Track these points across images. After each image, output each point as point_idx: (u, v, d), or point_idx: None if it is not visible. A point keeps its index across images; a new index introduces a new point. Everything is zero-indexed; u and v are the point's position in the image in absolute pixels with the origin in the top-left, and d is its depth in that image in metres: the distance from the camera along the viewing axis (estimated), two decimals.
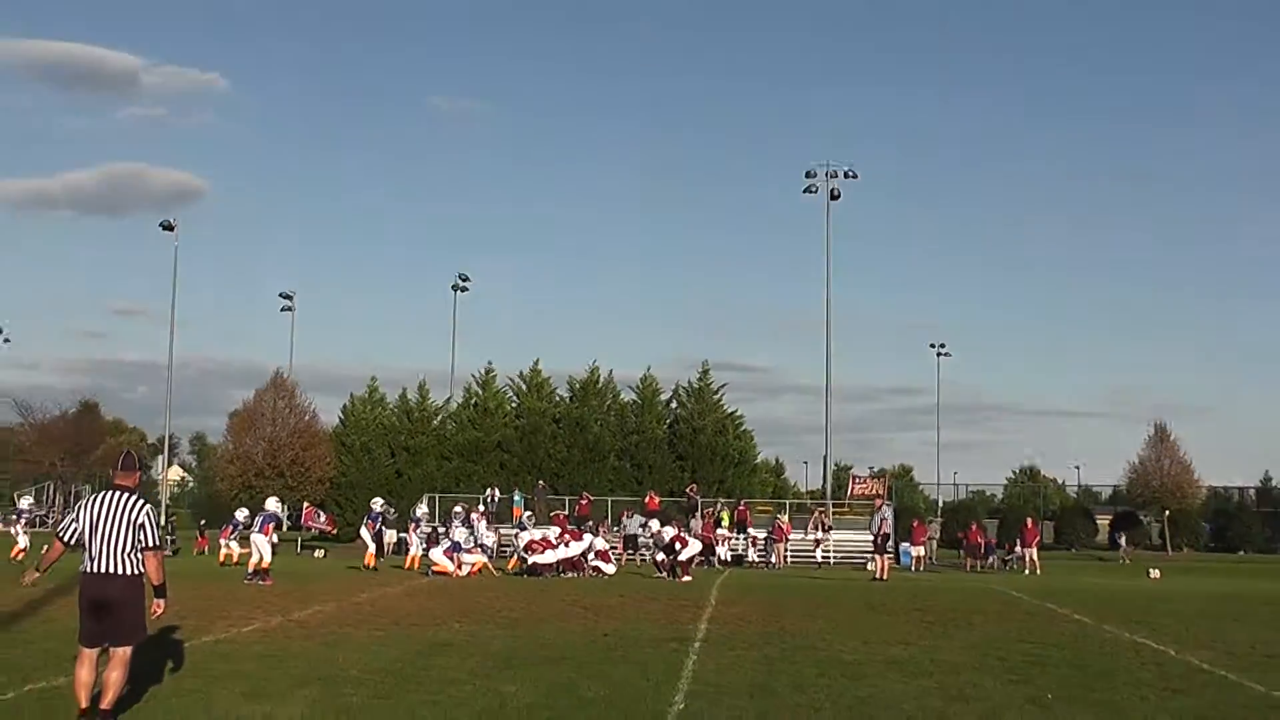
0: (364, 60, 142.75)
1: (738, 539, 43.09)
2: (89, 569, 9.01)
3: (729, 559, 41.34)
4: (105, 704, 8.84)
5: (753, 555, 42.59)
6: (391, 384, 73.19)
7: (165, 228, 67.60)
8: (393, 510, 43.06)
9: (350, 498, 54.13)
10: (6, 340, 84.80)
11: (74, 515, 9.26)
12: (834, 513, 48.20)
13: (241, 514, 32.66)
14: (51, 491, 59.89)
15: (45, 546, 9.84)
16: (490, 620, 17.03)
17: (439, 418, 58.51)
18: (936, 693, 11.07)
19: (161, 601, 9.37)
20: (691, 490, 47.95)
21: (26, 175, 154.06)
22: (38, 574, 9.57)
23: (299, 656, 12.67)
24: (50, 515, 57.43)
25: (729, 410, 56.39)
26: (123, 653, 9.01)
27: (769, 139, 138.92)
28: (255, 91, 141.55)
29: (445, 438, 57.13)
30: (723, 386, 56.72)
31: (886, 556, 30.43)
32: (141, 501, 9.20)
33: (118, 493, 9.18)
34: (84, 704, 8.84)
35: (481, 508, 45.34)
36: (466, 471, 54.78)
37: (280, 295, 70.63)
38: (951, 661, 13.24)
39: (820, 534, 43.95)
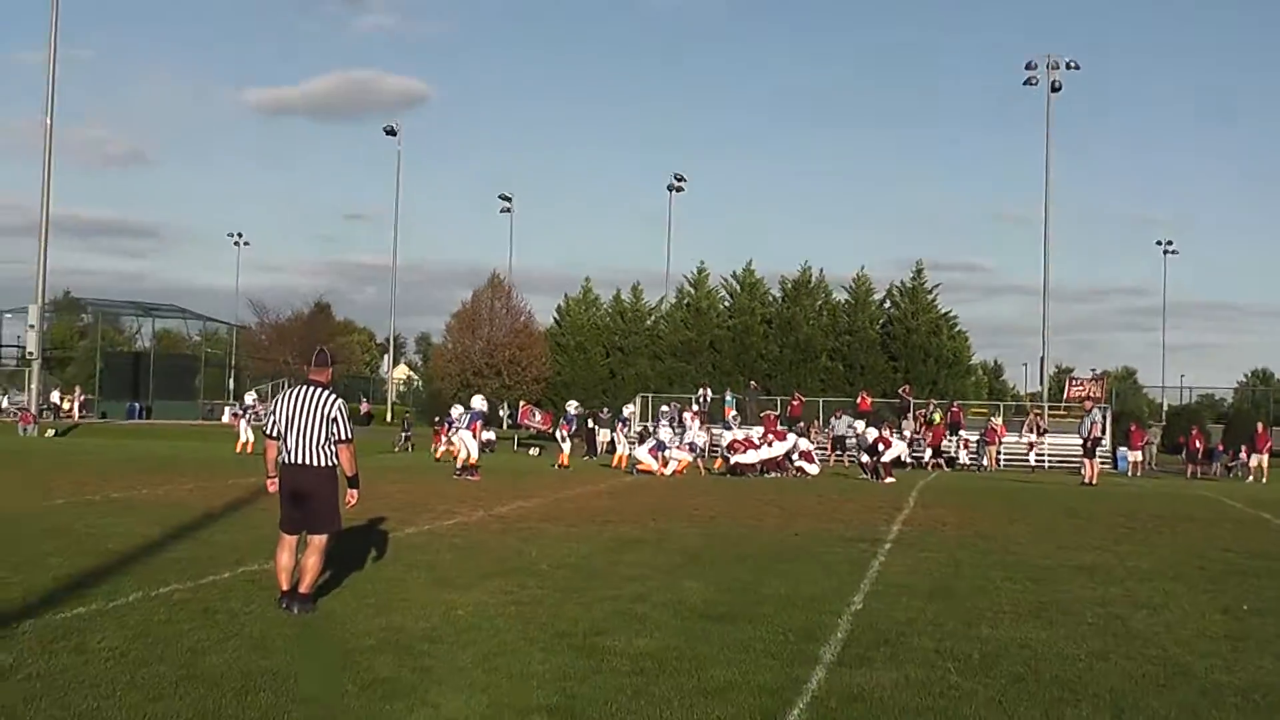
0: None
1: (950, 441, 42.62)
2: (286, 460, 9.44)
3: (940, 461, 40.97)
4: (304, 588, 9.32)
5: (964, 457, 42.07)
6: (606, 285, 74.41)
7: (388, 132, 69.58)
8: (606, 410, 43.89)
9: (566, 396, 55.00)
10: (246, 244, 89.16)
11: (272, 410, 9.72)
12: (1050, 415, 47.15)
13: (456, 410, 33.68)
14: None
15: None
16: (684, 518, 17.32)
17: (652, 318, 59.07)
18: (1123, 600, 10.86)
19: (354, 492, 9.81)
20: (904, 391, 47.59)
21: (270, 84, 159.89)
22: (273, 476, 9.63)
23: (492, 549, 13.12)
24: None
25: (943, 311, 55.50)
26: (319, 540, 9.46)
27: (988, 29, 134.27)
28: None
29: (658, 338, 57.70)
30: (936, 286, 55.88)
31: (1097, 461, 29.70)
32: (334, 396, 9.57)
33: (312, 388, 9.56)
34: (284, 586, 9.34)
35: (695, 407, 45.91)
36: (679, 371, 55.30)
37: (500, 197, 71.96)
38: (1146, 569, 12.95)
39: (1035, 437, 43.10)
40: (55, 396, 56.60)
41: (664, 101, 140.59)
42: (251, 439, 34.19)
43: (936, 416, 44.23)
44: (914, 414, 45.66)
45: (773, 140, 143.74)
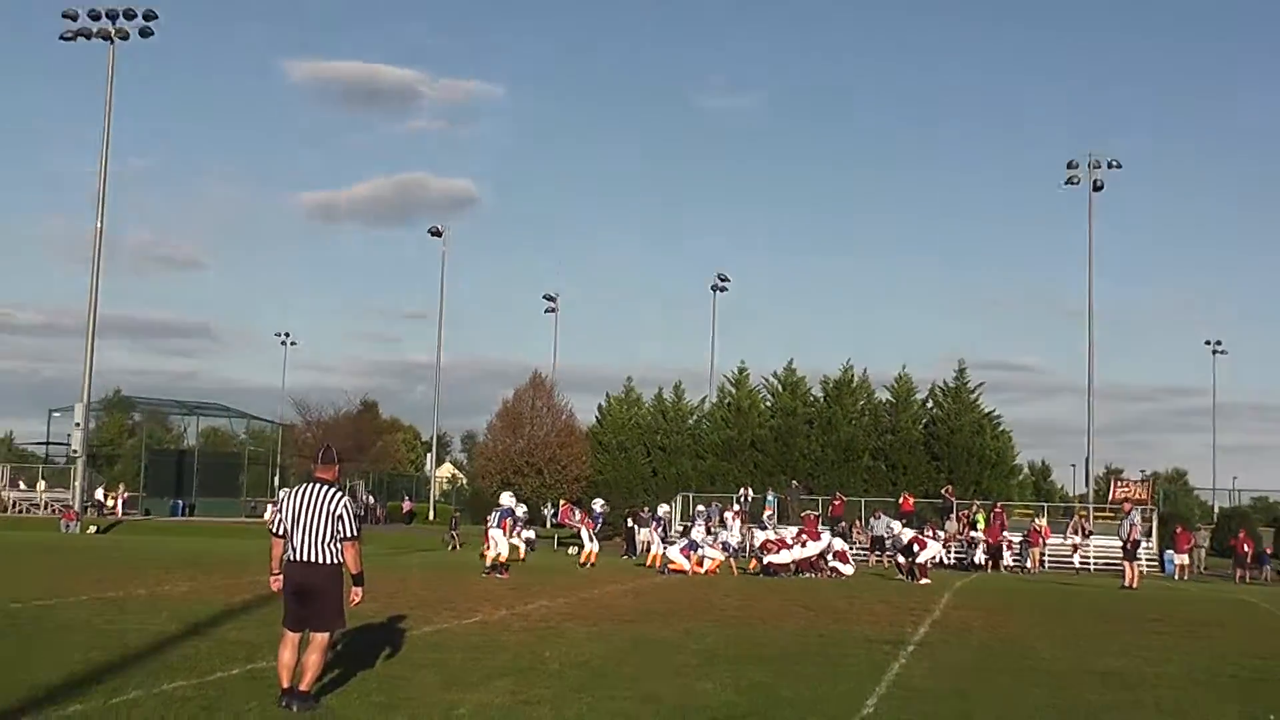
0: (632, 59, 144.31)
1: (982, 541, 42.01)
2: (292, 557, 9.45)
3: (982, 562, 40.41)
4: (304, 685, 9.26)
5: (1007, 559, 41.43)
6: (649, 384, 74.36)
7: (433, 234, 70.36)
8: (646, 509, 43.69)
9: (607, 496, 54.95)
10: (294, 343, 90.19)
11: (279, 509, 9.72)
12: (1096, 517, 46.45)
13: (521, 510, 33.76)
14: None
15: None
16: (708, 618, 17.12)
17: (694, 417, 58.95)
18: (1142, 706, 10.63)
19: (359, 590, 9.77)
20: (947, 492, 47.09)
21: (320, 188, 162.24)
22: (276, 574, 9.71)
23: (507, 649, 13.00)
24: None
25: (986, 410, 55.02)
26: (321, 638, 9.42)
27: (1028, 128, 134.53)
28: (528, 98, 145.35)
29: (700, 437, 57.56)
30: (979, 385, 55.36)
31: (1138, 564, 29.14)
32: (339, 494, 9.59)
33: (318, 485, 9.58)
34: (285, 684, 9.28)
35: (736, 507, 45.63)
36: (720, 470, 55.02)
37: (544, 297, 72.42)
38: (1173, 674, 12.67)
39: (1079, 539, 42.44)
40: (100, 494, 56.95)
41: (708, 201, 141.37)
42: None
43: (980, 518, 43.75)
44: (957, 514, 45.17)
45: (815, 239, 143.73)
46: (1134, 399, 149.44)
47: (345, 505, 9.56)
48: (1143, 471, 73.47)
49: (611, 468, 56.60)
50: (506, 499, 26.18)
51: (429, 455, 77.10)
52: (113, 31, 48.71)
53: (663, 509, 34.19)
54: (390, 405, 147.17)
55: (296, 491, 9.65)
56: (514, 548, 32.03)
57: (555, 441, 52.85)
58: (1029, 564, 40.45)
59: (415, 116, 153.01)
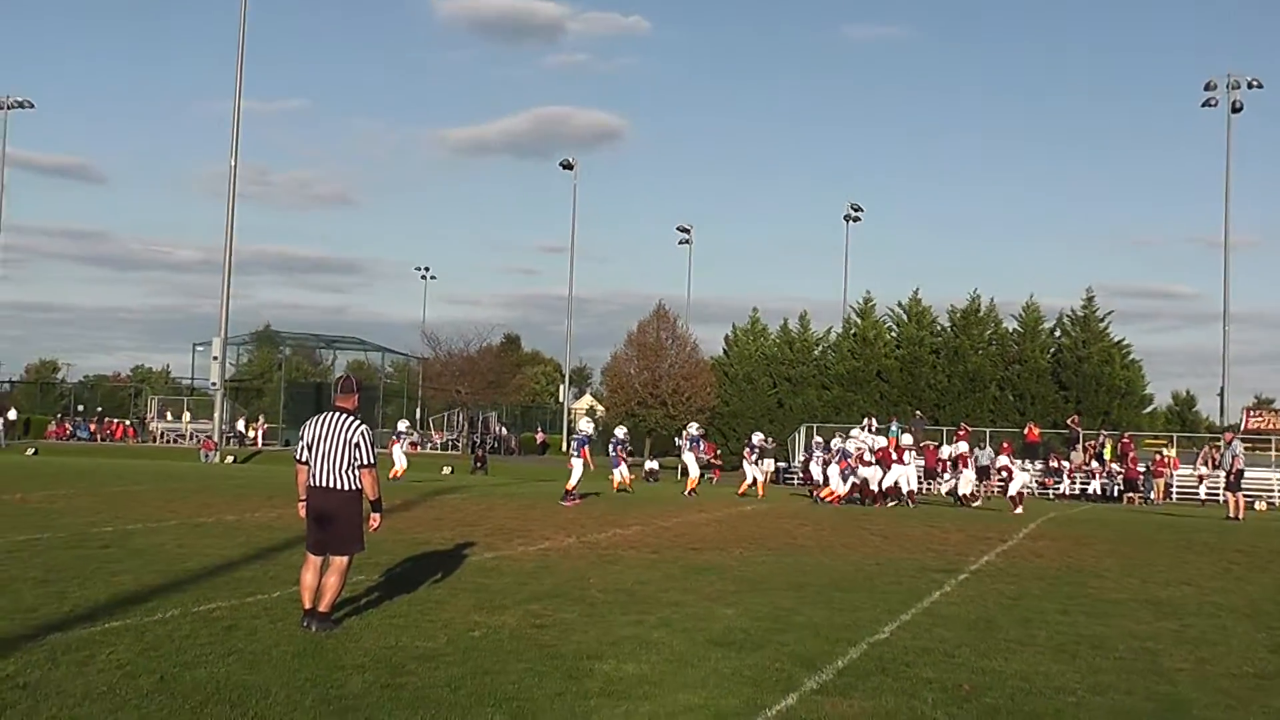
0: None
1: (1119, 471, 41.30)
2: (312, 483, 9.81)
3: (1106, 493, 39.79)
4: (323, 606, 9.63)
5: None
6: (776, 314, 74.05)
7: (565, 167, 70.57)
8: (770, 439, 43.73)
9: (734, 426, 55.25)
10: (433, 277, 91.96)
11: (301, 436, 10.07)
12: None
13: (695, 428, 34.55)
14: (460, 418, 63.94)
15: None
16: (773, 547, 17.16)
17: (820, 348, 58.69)
18: (1172, 635, 10.50)
19: (378, 516, 10.12)
20: (1073, 422, 46.35)
21: (468, 124, 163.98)
22: (303, 499, 9.95)
23: (557, 574, 13.23)
24: (459, 440, 61.47)
25: (1116, 339, 53.82)
26: (340, 561, 9.77)
27: (1166, 49, 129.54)
28: (673, 31, 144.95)
29: (826, 368, 57.33)
30: (1109, 314, 54.23)
31: (1241, 495, 28.26)
32: (357, 422, 9.90)
33: (337, 413, 9.92)
34: (307, 605, 9.66)
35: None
36: (846, 401, 54.80)
37: (678, 229, 72.39)
38: (1221, 604, 12.46)
39: (1207, 469, 41.41)
40: (240, 425, 58.94)
41: (844, 130, 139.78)
42: (405, 466, 35.00)
43: (1108, 448, 43.02)
44: (1083, 445, 44.46)
45: (948, 166, 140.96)
46: None
47: (363, 433, 9.86)
48: None
49: (738, 399, 56.76)
50: (584, 425, 26.45)
51: (560, 388, 77.85)
52: None
53: (756, 437, 34.12)
54: (534, 338, 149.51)
55: (317, 420, 9.97)
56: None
57: (680, 374, 53.07)
58: (1154, 495, 39.67)
59: (560, 50, 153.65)
